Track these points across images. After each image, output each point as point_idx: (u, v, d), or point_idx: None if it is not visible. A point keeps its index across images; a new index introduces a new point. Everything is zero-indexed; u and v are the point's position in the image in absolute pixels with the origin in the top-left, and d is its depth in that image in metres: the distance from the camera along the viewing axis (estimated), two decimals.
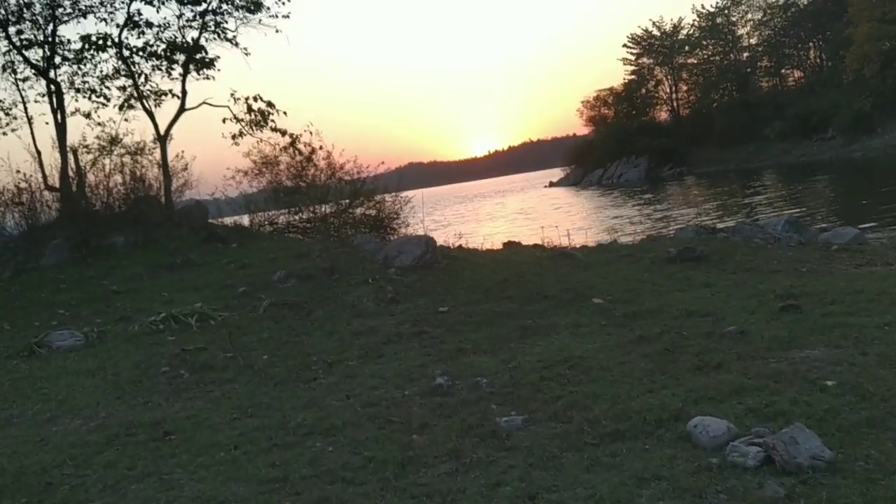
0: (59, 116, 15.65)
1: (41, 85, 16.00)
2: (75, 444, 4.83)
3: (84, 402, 5.77)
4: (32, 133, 15.81)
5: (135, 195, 15.47)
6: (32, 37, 15.68)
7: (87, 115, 16.65)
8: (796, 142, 59.10)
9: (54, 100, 15.70)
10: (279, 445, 4.46)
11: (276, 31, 16.39)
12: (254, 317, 8.37)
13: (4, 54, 15.90)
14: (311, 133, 16.62)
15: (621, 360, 5.47)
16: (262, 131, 16.54)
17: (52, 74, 15.83)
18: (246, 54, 16.70)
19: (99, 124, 16.67)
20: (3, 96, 16.49)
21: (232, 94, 16.52)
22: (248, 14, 16.06)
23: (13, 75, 15.99)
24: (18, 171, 15.02)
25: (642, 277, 9.28)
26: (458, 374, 5.52)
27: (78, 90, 16.43)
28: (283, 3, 16.50)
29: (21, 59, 15.76)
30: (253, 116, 16.32)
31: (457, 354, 6.20)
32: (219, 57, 16.55)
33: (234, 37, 16.34)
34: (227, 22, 16.19)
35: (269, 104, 16.37)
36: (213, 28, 16.11)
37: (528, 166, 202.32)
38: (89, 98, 16.59)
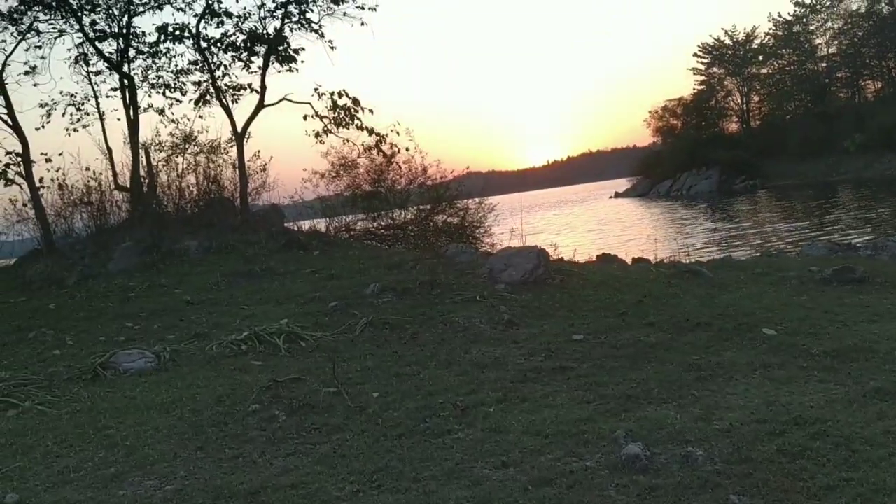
0: (131, 112, 14.87)
1: (114, 79, 15.37)
2: None
3: (158, 451, 4.53)
4: (104, 129, 15.17)
5: (209, 196, 14.54)
6: (107, 28, 14.93)
7: (161, 112, 15.92)
8: (879, 154, 56.03)
9: (127, 95, 14.92)
10: None
11: (362, 24, 15.26)
12: (350, 339, 7.10)
13: (77, 46, 15.23)
14: (397, 133, 15.47)
15: (882, 427, 3.99)
16: (347, 130, 15.41)
17: (125, 68, 15.06)
18: (332, 47, 15.58)
19: (172, 121, 15.88)
20: (75, 90, 15.74)
21: (316, 90, 15.46)
22: (332, 4, 14.96)
23: (86, 68, 15.28)
24: (88, 169, 14.37)
25: (802, 302, 7.83)
26: (647, 437, 4.12)
27: (152, 85, 15.68)
28: None
29: (94, 51, 15.03)
30: (337, 114, 15.16)
31: (627, 403, 4.80)
32: (303, 48, 15.49)
33: (320, 28, 15.28)
34: (311, 11, 15.11)
35: (355, 101, 15.19)
36: (296, 17, 15.03)
37: (588, 177, 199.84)
38: (163, 93, 15.83)
